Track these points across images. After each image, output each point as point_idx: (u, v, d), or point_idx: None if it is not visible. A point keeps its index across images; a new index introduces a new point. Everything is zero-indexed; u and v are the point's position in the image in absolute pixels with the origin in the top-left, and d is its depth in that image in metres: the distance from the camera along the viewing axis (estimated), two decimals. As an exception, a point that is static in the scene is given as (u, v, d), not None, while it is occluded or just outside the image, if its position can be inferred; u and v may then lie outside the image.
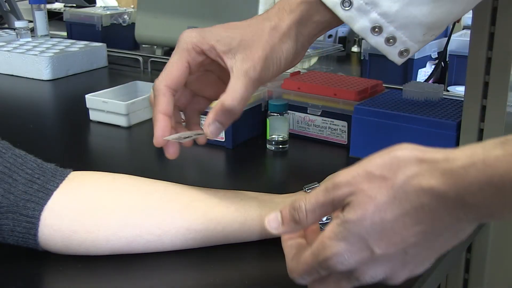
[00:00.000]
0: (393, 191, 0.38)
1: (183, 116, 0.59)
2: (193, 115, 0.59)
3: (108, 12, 1.51)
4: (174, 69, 0.53)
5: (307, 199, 0.42)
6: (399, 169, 0.38)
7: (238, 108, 0.53)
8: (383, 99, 0.81)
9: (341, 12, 0.54)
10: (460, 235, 0.39)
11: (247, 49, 0.53)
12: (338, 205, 0.40)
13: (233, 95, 0.52)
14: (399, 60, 0.56)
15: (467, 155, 0.36)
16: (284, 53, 0.55)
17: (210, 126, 0.53)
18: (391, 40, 0.55)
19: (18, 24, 1.43)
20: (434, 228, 0.38)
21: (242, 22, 0.55)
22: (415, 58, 1.23)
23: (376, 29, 0.54)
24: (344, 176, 0.40)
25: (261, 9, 1.22)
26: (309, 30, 0.56)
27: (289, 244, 0.45)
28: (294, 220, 0.42)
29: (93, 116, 0.95)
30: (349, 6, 0.54)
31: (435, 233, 0.38)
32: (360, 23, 0.54)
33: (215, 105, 0.53)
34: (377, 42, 0.55)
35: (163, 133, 0.53)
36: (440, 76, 1.28)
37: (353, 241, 0.39)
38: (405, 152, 0.38)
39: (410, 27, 0.54)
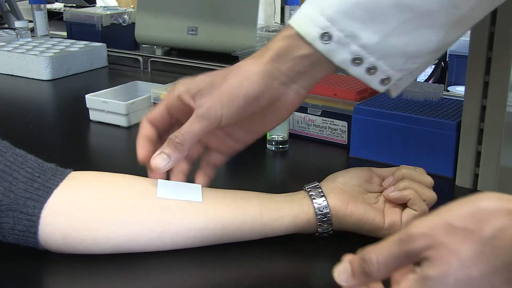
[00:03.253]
0: (479, 246, 0.34)
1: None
2: (204, 166, 0.61)
3: (108, 12, 1.51)
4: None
5: (379, 251, 0.38)
6: (485, 221, 0.35)
7: (186, 144, 0.55)
8: (383, 99, 0.81)
9: (320, 46, 0.53)
10: None
11: (212, 88, 0.55)
12: (414, 258, 0.37)
13: (186, 135, 0.55)
14: (380, 88, 0.55)
15: None
16: (244, 91, 0.54)
17: (156, 158, 0.56)
18: (372, 70, 0.54)
19: (18, 24, 1.43)
20: None
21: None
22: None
23: (357, 61, 0.54)
24: (421, 227, 0.36)
25: (261, 9, 1.22)
26: (289, 66, 0.55)
27: None
28: (365, 272, 0.39)
29: (93, 116, 0.95)
30: (328, 40, 0.53)
31: None
32: (340, 55, 0.54)
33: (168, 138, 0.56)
34: (358, 72, 0.54)
35: (146, 153, 0.57)
36: (440, 76, 1.28)
37: None
38: (490, 202, 0.35)
39: (391, 57, 0.54)
